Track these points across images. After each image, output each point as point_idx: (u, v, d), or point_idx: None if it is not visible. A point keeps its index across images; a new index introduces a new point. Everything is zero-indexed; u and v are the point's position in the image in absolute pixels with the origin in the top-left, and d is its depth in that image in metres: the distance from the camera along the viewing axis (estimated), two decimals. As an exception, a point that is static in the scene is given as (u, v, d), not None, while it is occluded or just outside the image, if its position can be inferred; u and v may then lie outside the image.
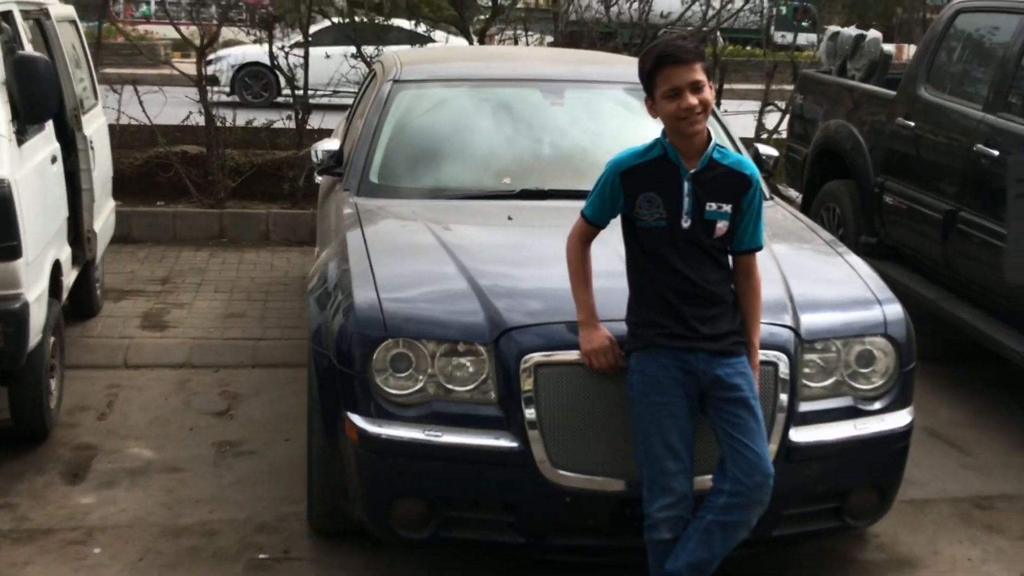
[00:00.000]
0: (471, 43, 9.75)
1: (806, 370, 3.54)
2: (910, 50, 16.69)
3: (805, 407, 3.51)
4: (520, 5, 11.38)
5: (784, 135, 8.77)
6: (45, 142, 5.02)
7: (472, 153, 4.84)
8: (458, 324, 3.46)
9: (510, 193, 4.58)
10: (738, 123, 7.21)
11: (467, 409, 3.40)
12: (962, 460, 4.92)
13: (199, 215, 8.37)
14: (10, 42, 4.75)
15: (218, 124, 8.75)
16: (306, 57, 9.07)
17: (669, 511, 3.19)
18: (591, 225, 3.37)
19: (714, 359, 3.22)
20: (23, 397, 4.58)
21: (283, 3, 9.51)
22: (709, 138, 3.27)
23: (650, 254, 3.26)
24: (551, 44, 11.43)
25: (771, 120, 9.78)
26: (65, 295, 5.30)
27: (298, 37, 9.37)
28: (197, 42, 9.08)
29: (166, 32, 15.46)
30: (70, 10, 6.28)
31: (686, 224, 3.22)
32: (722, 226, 3.25)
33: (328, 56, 9.29)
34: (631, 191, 3.26)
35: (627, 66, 5.62)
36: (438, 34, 11.28)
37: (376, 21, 9.42)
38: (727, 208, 3.25)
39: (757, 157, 5.03)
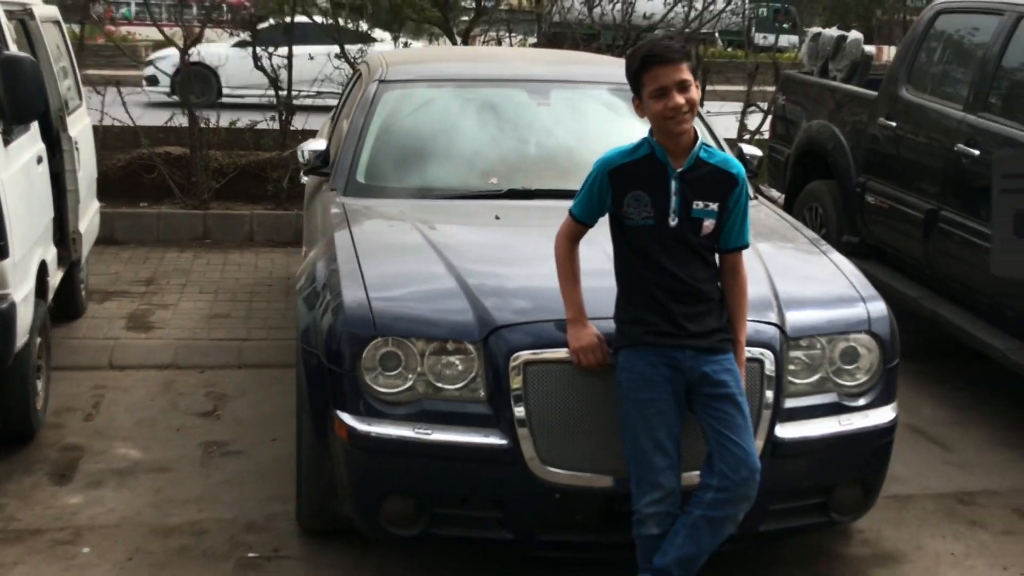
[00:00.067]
0: (454, 44, 9.77)
1: (791, 367, 3.58)
2: (890, 51, 16.80)
3: (790, 403, 3.55)
4: (503, 6, 11.39)
5: (766, 136, 8.83)
6: (31, 143, 5.01)
7: (459, 153, 4.87)
8: (447, 323, 3.48)
9: (497, 193, 4.60)
10: (720, 124, 7.24)
11: (456, 407, 3.41)
12: (945, 456, 4.97)
13: (183, 216, 8.36)
14: (-5, 43, 4.75)
15: (201, 125, 8.74)
16: (289, 58, 9.07)
17: (657, 507, 3.22)
18: (579, 224, 3.40)
19: (701, 356, 3.25)
20: (9, 398, 4.57)
21: (266, 4, 9.50)
22: (696, 137, 3.30)
23: (638, 252, 3.29)
24: (533, 45, 11.47)
25: (753, 121, 9.84)
26: (51, 296, 5.29)
27: (244, 36, 9.31)
28: (180, 43, 9.07)
29: (148, 33, 15.42)
30: (54, 11, 6.26)
31: (673, 222, 3.26)
32: (709, 224, 3.29)
33: (312, 58, 9.29)
34: (619, 190, 3.29)
35: (612, 66, 5.66)
36: (382, 34, 11.25)
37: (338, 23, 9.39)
38: (714, 206, 3.29)
39: (741, 157, 5.07)
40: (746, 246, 3.39)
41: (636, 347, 3.27)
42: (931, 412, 5.42)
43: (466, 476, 3.43)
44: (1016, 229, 4.52)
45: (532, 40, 11.78)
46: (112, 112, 8.84)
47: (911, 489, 4.57)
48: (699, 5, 9.78)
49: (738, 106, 9.94)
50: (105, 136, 8.54)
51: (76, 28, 10.38)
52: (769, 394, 3.47)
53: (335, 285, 3.70)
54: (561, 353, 3.35)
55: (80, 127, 6.22)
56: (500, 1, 11.27)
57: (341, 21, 9.55)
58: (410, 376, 3.43)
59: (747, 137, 9.44)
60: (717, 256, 3.37)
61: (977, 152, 5.37)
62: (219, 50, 12.59)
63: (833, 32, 7.92)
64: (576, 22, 10.08)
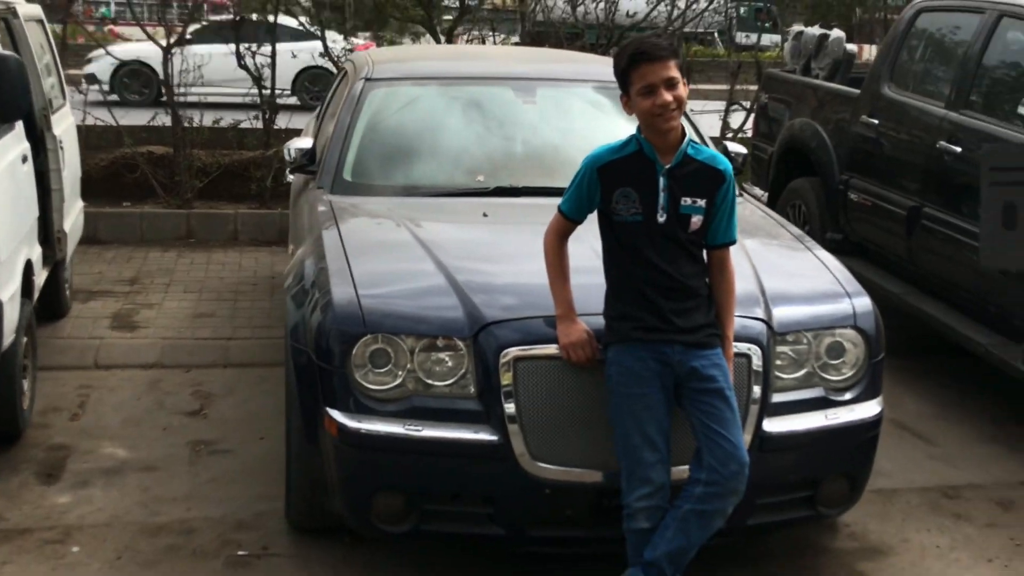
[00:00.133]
0: (438, 42, 9.78)
1: (778, 362, 3.60)
2: (870, 50, 16.89)
3: (777, 398, 3.58)
4: (487, 5, 11.41)
5: (749, 134, 8.87)
6: (15, 141, 5.00)
7: (445, 151, 4.88)
8: (437, 319, 3.49)
9: (484, 190, 4.62)
10: (703, 122, 7.28)
11: (446, 403, 3.43)
12: (929, 451, 5.01)
13: (166, 216, 8.33)
14: (-21, 42, 4.74)
15: (185, 124, 8.72)
16: (273, 57, 9.06)
17: (647, 501, 3.24)
18: (568, 220, 3.42)
19: (690, 351, 3.28)
20: (-5, 397, 4.56)
21: (249, 3, 9.48)
22: (683, 134, 3.33)
23: (626, 248, 3.31)
24: (515, 44, 11.48)
25: (736, 119, 9.88)
26: (36, 295, 5.27)
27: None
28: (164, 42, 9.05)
29: (132, 33, 15.34)
30: (37, 10, 6.24)
31: (662, 219, 3.28)
32: (697, 220, 3.31)
33: (294, 55, 9.27)
34: (608, 186, 3.31)
35: (597, 64, 5.70)
36: (330, 33, 11.20)
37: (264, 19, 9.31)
38: (702, 203, 3.31)
39: (726, 155, 5.08)
40: (733, 242, 3.42)
41: (625, 343, 3.29)
42: (915, 407, 5.46)
43: (456, 472, 3.44)
44: (1004, 221, 4.57)
45: (514, 39, 11.79)
46: (95, 111, 8.81)
47: (896, 483, 4.60)
48: (682, 4, 9.82)
49: (720, 105, 9.98)
50: (88, 135, 8.51)
51: (58, 28, 10.33)
52: (756, 389, 3.49)
53: (324, 283, 3.71)
54: (551, 349, 3.37)
55: (64, 126, 6.21)
56: (484, 0, 11.27)
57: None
58: (400, 373, 3.44)
59: (730, 135, 9.48)
60: (705, 252, 3.40)
61: (959, 149, 5.42)
62: (157, 49, 12.39)
63: (815, 31, 7.96)
64: (560, 21, 10.11)
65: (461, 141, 4.91)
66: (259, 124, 9.23)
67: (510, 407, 3.35)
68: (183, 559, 3.85)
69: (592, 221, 3.41)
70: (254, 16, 9.33)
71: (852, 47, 7.82)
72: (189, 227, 8.30)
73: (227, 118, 9.48)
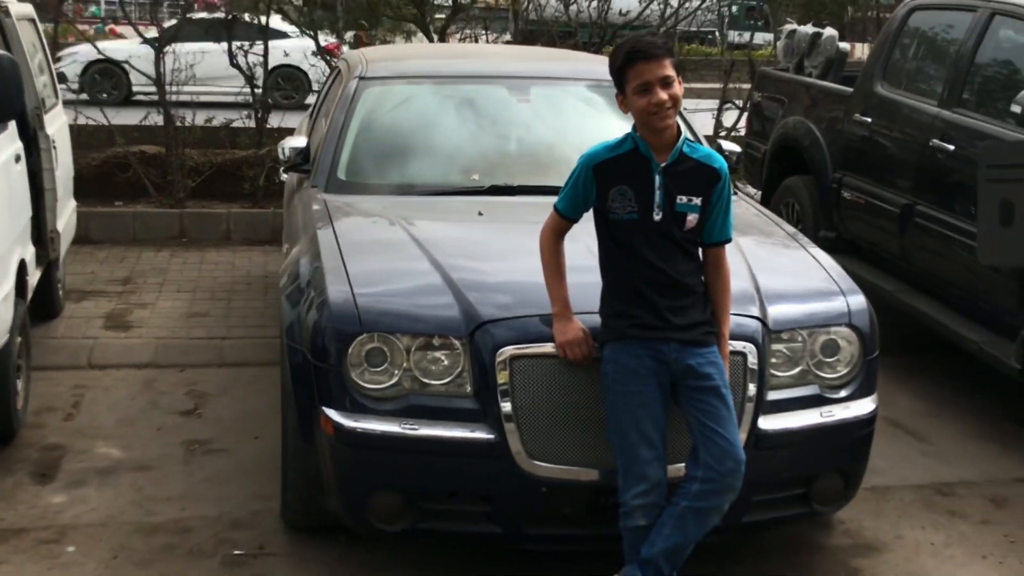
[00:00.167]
0: (431, 41, 9.77)
1: (773, 360, 3.62)
2: (862, 48, 16.93)
3: (773, 396, 3.59)
4: (480, 4, 11.40)
5: (742, 132, 8.88)
6: (9, 141, 4.99)
7: (440, 149, 4.88)
8: (433, 318, 3.49)
9: (479, 189, 4.62)
10: (696, 121, 7.30)
11: (443, 402, 3.43)
12: (922, 448, 5.02)
13: (159, 215, 8.32)
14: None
15: (177, 124, 8.71)
16: (265, 56, 9.04)
17: (644, 498, 3.25)
18: (564, 219, 3.42)
19: (686, 349, 3.28)
20: (-10, 398, 4.55)
21: (241, 2, 9.44)
22: (679, 132, 3.33)
23: (622, 247, 3.32)
24: (507, 43, 11.47)
25: (729, 118, 9.89)
26: (30, 295, 5.26)
27: (153, 33, 9.22)
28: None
29: (124, 32, 15.28)
30: (29, 9, 6.23)
31: (657, 217, 3.29)
32: (692, 218, 3.32)
33: (287, 54, 9.23)
34: (603, 185, 3.31)
35: (591, 63, 5.71)
36: (290, 29, 11.18)
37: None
38: (697, 201, 3.32)
39: (720, 153, 5.09)
40: (729, 240, 3.43)
41: (621, 340, 3.30)
42: (908, 405, 5.47)
43: (453, 471, 3.44)
44: (1001, 218, 4.58)
45: (506, 37, 11.77)
46: (87, 111, 8.79)
47: (890, 481, 4.62)
48: (674, 2, 9.83)
49: (713, 103, 9.99)
50: (79, 135, 8.48)
51: (50, 27, 10.31)
52: (752, 387, 3.50)
53: (319, 282, 3.71)
54: (547, 347, 3.37)
55: (57, 125, 6.20)
56: (476, -1, 11.27)
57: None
58: (396, 372, 3.44)
59: (723, 134, 9.49)
60: (700, 250, 3.41)
61: (952, 147, 5.43)
62: (128, 47, 12.30)
63: (808, 29, 7.98)
64: (552, 19, 10.11)
65: (455, 140, 4.91)
66: (251, 123, 9.21)
67: (506, 406, 3.35)
68: (179, 558, 3.85)
69: (588, 219, 3.42)
70: (246, 16, 9.28)
71: (845, 45, 7.84)
72: (182, 226, 8.29)
73: (219, 117, 9.47)
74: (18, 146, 5.16)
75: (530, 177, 4.66)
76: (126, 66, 11.16)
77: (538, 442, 3.37)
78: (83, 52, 14.68)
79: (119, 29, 14.84)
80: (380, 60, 5.50)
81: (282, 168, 5.19)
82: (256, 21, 9.22)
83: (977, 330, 5.25)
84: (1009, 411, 5.39)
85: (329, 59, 8.97)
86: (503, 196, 4.58)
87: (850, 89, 6.71)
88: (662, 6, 9.86)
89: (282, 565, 3.83)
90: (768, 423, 3.54)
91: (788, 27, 8.50)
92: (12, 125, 5.09)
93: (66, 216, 6.25)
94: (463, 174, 4.74)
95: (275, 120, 9.19)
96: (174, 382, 5.57)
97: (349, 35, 10.13)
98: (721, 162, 3.40)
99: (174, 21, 9.59)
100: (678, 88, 3.27)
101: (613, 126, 4.14)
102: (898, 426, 5.19)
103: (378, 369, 3.44)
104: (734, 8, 15.45)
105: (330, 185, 4.67)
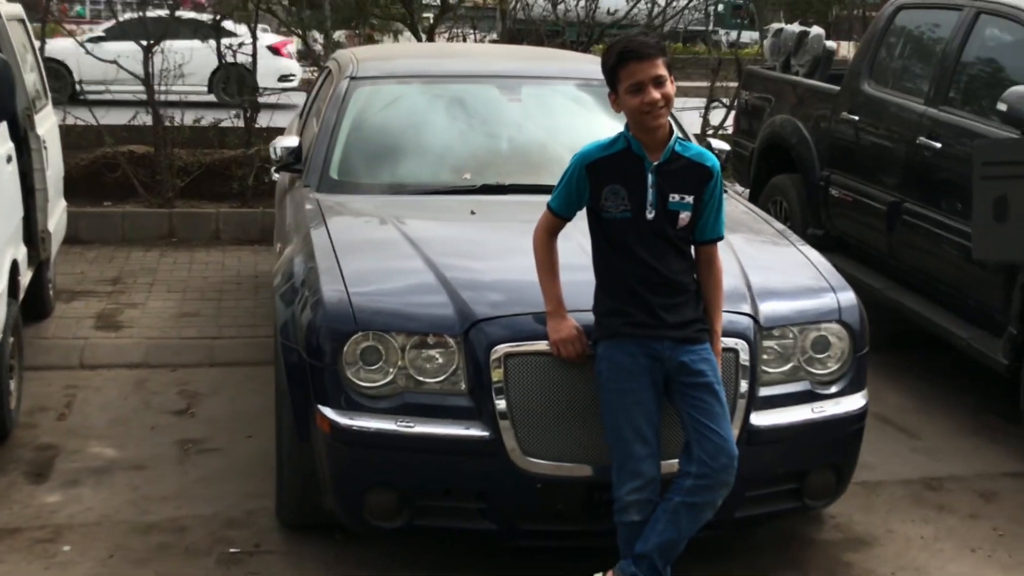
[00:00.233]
0: (419, 40, 9.79)
1: (765, 356, 3.65)
2: (848, 47, 16.98)
3: (765, 392, 3.62)
4: (468, 3, 11.42)
5: (730, 131, 8.92)
6: (0, 142, 4.99)
7: (431, 149, 4.90)
8: (427, 317, 3.51)
9: (471, 188, 4.64)
10: (683, 120, 7.34)
11: (438, 400, 3.45)
12: (912, 443, 5.07)
13: (148, 215, 8.31)
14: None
15: (166, 123, 8.70)
16: (254, 55, 9.05)
17: (638, 494, 3.27)
18: (558, 217, 3.45)
19: (679, 346, 3.31)
20: (-17, 398, 4.55)
21: (229, 2, 9.45)
22: (671, 131, 3.36)
23: (616, 245, 3.34)
24: (493, 41, 11.50)
25: (716, 116, 9.94)
26: (22, 295, 5.26)
27: (96, 32, 9.14)
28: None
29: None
30: (19, 9, 6.22)
31: (650, 215, 3.31)
32: (685, 217, 3.35)
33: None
34: (597, 183, 3.34)
35: (581, 63, 5.74)
36: (237, 28, 11.18)
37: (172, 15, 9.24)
38: (690, 199, 3.35)
39: (709, 151, 5.13)
40: (721, 238, 3.46)
41: (615, 338, 3.32)
42: (897, 401, 5.52)
43: (448, 468, 3.47)
44: (996, 214, 4.63)
45: (492, 36, 11.79)
46: (75, 111, 8.79)
47: (880, 476, 4.66)
48: (662, 1, 9.86)
49: (700, 102, 10.03)
50: (68, 135, 8.47)
51: (37, 27, 10.26)
52: (744, 383, 3.53)
53: (314, 281, 3.73)
54: (541, 345, 3.40)
55: (47, 126, 6.20)
56: (463, -1, 11.29)
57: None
58: (391, 370, 3.46)
59: (711, 132, 9.53)
60: (692, 248, 3.44)
61: (939, 145, 5.48)
62: (70, 45, 12.18)
63: (795, 28, 8.03)
64: (540, 18, 10.14)
65: (447, 139, 4.93)
66: (240, 123, 9.21)
67: (501, 403, 3.38)
68: (175, 557, 3.86)
69: (581, 218, 3.44)
70: (234, 15, 9.29)
71: (831, 44, 7.89)
72: (171, 226, 8.29)
73: (208, 117, 9.46)
74: (9, 146, 5.16)
75: (521, 176, 4.68)
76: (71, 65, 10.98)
77: (532, 439, 3.40)
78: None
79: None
80: (371, 60, 5.51)
81: (274, 168, 5.20)
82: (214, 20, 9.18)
83: (964, 326, 5.30)
84: (996, 406, 5.44)
85: (318, 59, 8.97)
86: (495, 195, 4.60)
87: (837, 88, 6.75)
88: (649, 5, 9.89)
89: (278, 563, 3.85)
90: (760, 419, 3.57)
91: (775, 26, 8.54)
92: (3, 126, 5.08)
93: (57, 216, 6.25)
94: (455, 173, 4.76)
95: (269, 120, 9.15)
96: (165, 382, 5.58)
97: (338, 34, 10.14)
98: (713, 160, 3.43)
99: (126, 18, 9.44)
100: (670, 87, 3.30)
101: (604, 125, 4.17)
102: (887, 422, 5.23)
103: (373, 367, 3.46)
104: (720, 7, 15.51)
105: (322, 184, 4.69)
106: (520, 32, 10.48)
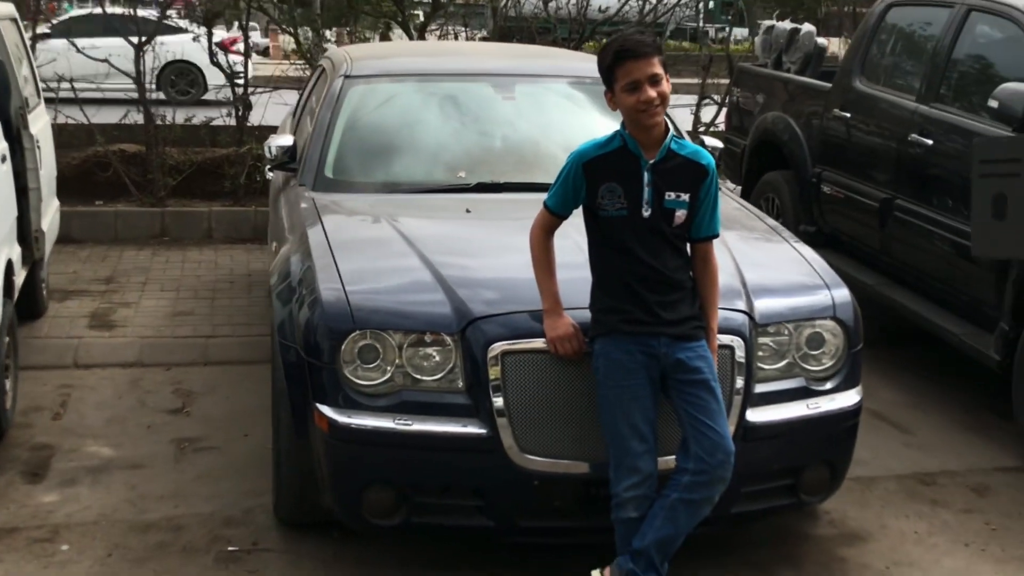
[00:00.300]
0: (410, 38, 9.79)
1: (760, 353, 3.67)
2: (838, 44, 17.02)
3: (760, 388, 3.64)
4: (459, 0, 11.42)
5: (721, 128, 8.94)
6: (-6, 142, 4.99)
7: (426, 147, 4.90)
8: (424, 315, 3.52)
9: (466, 186, 4.65)
10: (675, 117, 7.36)
11: (435, 398, 3.47)
12: (905, 439, 5.09)
13: (140, 214, 8.30)
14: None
15: (157, 122, 8.69)
16: (246, 54, 9.05)
17: (635, 490, 3.29)
18: (554, 216, 3.46)
19: (675, 343, 3.33)
20: (-22, 398, 4.55)
21: (221, 1, 9.44)
22: (667, 129, 3.38)
23: (612, 243, 3.36)
24: (484, 39, 11.50)
25: (707, 113, 9.95)
26: (16, 295, 5.26)
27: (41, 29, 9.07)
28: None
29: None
30: (11, 9, 6.21)
31: (646, 213, 3.33)
32: (681, 214, 3.37)
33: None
34: (593, 182, 3.36)
35: (574, 60, 5.76)
36: (187, 25, 11.16)
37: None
38: (685, 197, 3.37)
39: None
40: (716, 235, 3.48)
41: (612, 335, 3.34)
42: (891, 396, 5.55)
43: (446, 465, 3.48)
44: (994, 211, 4.66)
45: (483, 34, 11.79)
46: (67, 110, 8.77)
47: (874, 471, 4.68)
48: (653, -1, 9.89)
49: (691, 99, 10.04)
50: (60, 134, 8.45)
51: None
52: (740, 380, 3.56)
53: (311, 280, 3.73)
54: (538, 343, 3.41)
55: (40, 125, 6.19)
56: (455, -4, 11.29)
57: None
58: (389, 368, 3.47)
59: (702, 129, 9.55)
60: (688, 245, 3.46)
61: (930, 142, 5.51)
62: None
63: (786, 25, 8.05)
64: (531, 16, 10.14)
65: (442, 137, 4.94)
66: (232, 121, 9.20)
67: (498, 401, 3.39)
68: (173, 555, 3.87)
69: (577, 216, 3.46)
70: (225, 13, 9.28)
71: (823, 41, 7.92)
72: (163, 225, 8.28)
73: (199, 115, 9.45)
74: (3, 146, 5.15)
75: (516, 174, 4.69)
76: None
77: (530, 436, 3.41)
78: None
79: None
80: (365, 58, 5.52)
81: (268, 166, 5.20)
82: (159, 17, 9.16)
83: (957, 322, 5.33)
84: (989, 402, 5.47)
85: (309, 57, 8.96)
86: (490, 193, 4.61)
87: (829, 85, 6.78)
88: (640, 2, 9.90)
89: (276, 561, 3.86)
90: (756, 415, 3.60)
91: (766, 23, 8.57)
92: (-3, 126, 5.09)
93: (50, 215, 6.25)
94: (450, 171, 4.78)
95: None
96: (160, 381, 5.58)
97: (329, 32, 10.14)
98: (708, 158, 3.45)
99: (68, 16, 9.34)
100: (666, 85, 3.32)
101: (598, 123, 4.19)
102: (881, 418, 5.26)
103: (371, 366, 3.47)
104: (711, 4, 15.54)
105: (317, 183, 4.69)
106: (511, 29, 10.48)
